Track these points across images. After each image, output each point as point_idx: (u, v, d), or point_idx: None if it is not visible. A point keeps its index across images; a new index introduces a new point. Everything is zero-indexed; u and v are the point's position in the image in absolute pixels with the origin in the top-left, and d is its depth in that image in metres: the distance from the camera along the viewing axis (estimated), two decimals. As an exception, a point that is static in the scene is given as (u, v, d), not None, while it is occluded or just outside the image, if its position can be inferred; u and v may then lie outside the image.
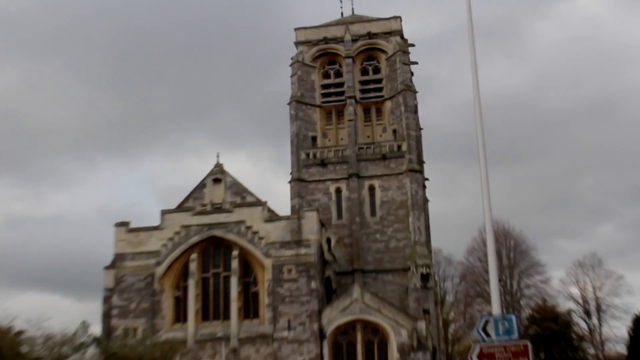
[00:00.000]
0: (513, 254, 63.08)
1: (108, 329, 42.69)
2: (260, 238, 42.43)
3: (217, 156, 51.52)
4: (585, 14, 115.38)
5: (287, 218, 42.95)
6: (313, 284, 41.11)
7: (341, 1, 54.18)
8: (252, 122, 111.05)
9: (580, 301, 63.28)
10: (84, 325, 54.78)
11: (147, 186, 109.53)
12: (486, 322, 13.20)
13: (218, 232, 43.16)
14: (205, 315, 43.09)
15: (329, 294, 44.54)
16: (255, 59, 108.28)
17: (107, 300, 43.74)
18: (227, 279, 43.33)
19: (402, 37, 51.37)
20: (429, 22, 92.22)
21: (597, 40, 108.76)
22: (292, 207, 46.90)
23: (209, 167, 45.71)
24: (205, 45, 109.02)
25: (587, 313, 62.69)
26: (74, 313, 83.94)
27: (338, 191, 46.96)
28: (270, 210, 43.62)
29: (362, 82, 50.53)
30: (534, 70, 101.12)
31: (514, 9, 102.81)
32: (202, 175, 46.02)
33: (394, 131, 48.07)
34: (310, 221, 42.29)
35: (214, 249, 43.72)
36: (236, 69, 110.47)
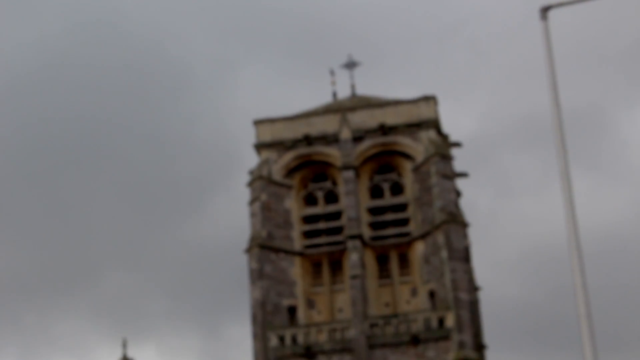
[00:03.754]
0: None
1: None
2: None
3: (124, 346, 37.72)
4: None
5: None
6: None
7: (332, 74, 41.95)
8: (165, 289, 77.25)
9: None
10: None
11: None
12: None
13: None
14: None
15: None
16: (175, 172, 74.76)
17: None
18: None
19: (439, 130, 39.91)
20: (459, 116, 73.81)
21: None
22: None
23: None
24: (78, 157, 75.38)
25: None
26: None
27: (337, 402, 39.44)
28: None
29: (374, 211, 40.07)
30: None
31: (606, 96, 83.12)
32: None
33: (431, 294, 38.10)
34: None
35: None
36: (134, 193, 77.05)
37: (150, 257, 74.98)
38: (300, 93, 68.99)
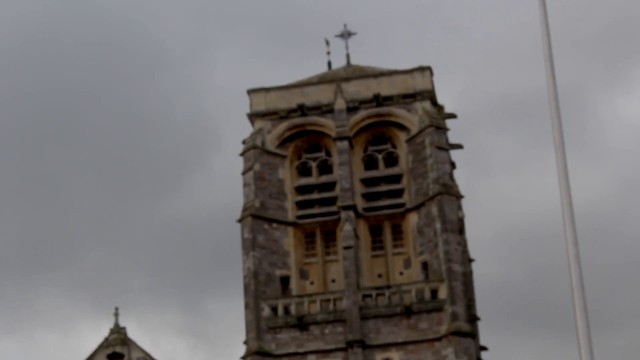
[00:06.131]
0: None
1: None
2: None
3: (116, 314, 37.51)
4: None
5: None
6: None
7: (328, 44, 41.84)
8: (145, 265, 77.14)
9: None
10: None
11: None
12: None
13: None
14: None
15: None
16: (152, 149, 75.69)
17: None
18: None
19: (434, 101, 39.57)
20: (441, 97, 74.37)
21: None
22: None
23: (77, 343, 40.57)
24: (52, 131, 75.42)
25: None
26: None
27: (329, 372, 39.10)
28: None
29: (367, 182, 40.05)
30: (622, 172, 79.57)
31: (584, 77, 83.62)
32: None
33: (425, 265, 38.05)
34: None
35: None
36: (112, 169, 76.79)
37: (130, 233, 74.78)
38: (286, 67, 68.74)
